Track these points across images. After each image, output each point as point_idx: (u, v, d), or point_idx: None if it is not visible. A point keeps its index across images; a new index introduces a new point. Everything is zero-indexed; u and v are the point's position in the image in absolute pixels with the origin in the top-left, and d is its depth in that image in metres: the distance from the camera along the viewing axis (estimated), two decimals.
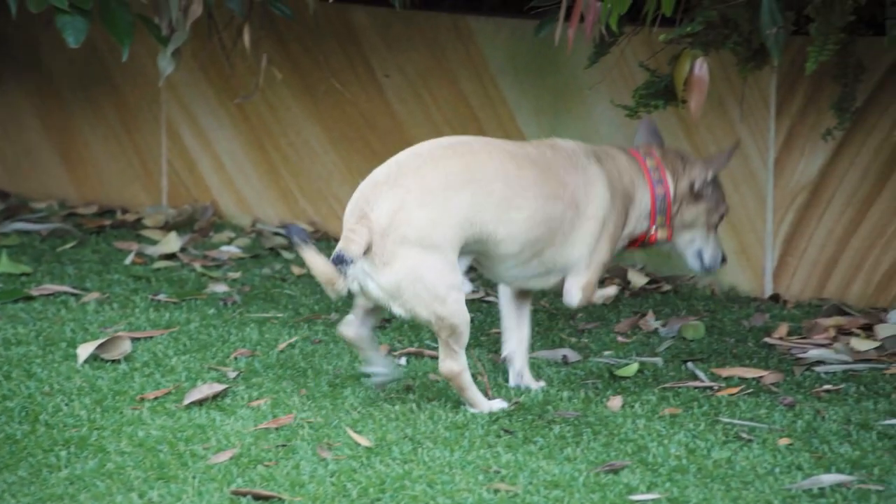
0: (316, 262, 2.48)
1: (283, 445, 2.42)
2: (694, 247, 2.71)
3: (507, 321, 2.68)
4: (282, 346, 2.89)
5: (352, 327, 2.59)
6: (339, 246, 2.49)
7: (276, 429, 2.49)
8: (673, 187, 2.66)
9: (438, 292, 2.47)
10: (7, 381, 2.70)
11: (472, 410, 2.55)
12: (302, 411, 2.57)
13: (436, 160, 2.52)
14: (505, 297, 2.70)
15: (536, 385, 2.65)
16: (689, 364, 2.73)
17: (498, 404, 2.57)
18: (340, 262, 2.46)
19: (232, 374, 2.75)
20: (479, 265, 2.63)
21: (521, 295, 2.68)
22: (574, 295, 2.59)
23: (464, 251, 2.53)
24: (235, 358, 2.84)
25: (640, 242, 2.68)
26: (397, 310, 2.50)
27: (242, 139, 3.73)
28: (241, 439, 2.44)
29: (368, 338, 2.61)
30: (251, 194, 3.75)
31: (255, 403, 2.62)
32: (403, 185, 2.49)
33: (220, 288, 3.29)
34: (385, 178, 2.51)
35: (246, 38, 3.20)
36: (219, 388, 2.65)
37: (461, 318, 2.49)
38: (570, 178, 2.57)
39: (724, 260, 2.74)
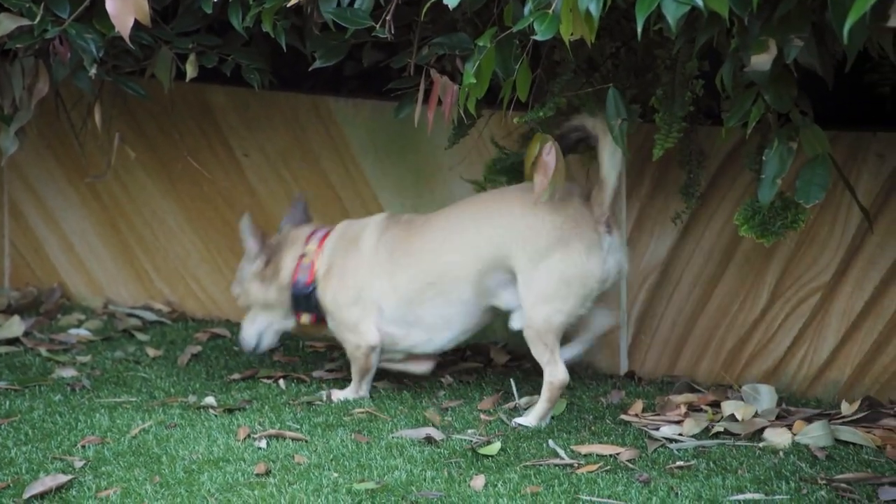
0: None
1: None
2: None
3: None
4: (134, 431, 2.79)
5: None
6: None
7: None
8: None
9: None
10: None
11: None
12: (155, 500, 2.47)
13: None
14: None
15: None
16: (550, 442, 2.77)
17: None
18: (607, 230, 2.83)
19: (79, 464, 2.63)
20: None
21: None
22: None
23: None
24: (83, 446, 2.72)
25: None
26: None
27: (94, 219, 3.62)
28: None
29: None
30: (103, 275, 3.64)
31: (103, 494, 2.50)
32: None
33: (68, 373, 3.15)
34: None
35: (97, 116, 3.14)
36: (63, 479, 2.53)
37: None
38: None
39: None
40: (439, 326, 2.91)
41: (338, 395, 3.02)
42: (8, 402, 2.93)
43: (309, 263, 3.00)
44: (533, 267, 2.78)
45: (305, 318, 3.04)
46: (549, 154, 2.71)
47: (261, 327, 3.09)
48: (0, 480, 2.53)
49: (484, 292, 2.87)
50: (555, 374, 2.80)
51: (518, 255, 2.80)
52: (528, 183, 2.81)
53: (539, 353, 2.81)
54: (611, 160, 2.76)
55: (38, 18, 2.84)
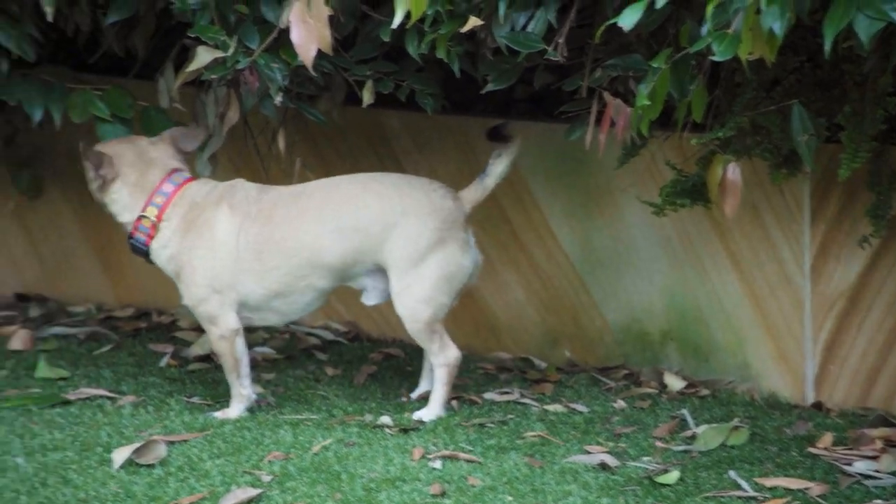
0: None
1: None
2: None
3: None
4: (316, 448, 2.87)
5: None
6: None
7: None
8: None
9: None
10: (43, 488, 2.69)
11: None
12: None
13: None
14: None
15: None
16: (732, 472, 2.68)
17: None
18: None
19: (266, 478, 2.72)
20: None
21: None
22: None
23: None
24: (269, 461, 2.81)
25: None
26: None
27: None
28: None
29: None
30: None
31: None
32: None
33: (254, 389, 3.28)
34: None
35: (280, 142, 3.26)
36: (253, 492, 2.63)
37: None
38: None
39: None
40: (297, 311, 3.06)
41: (223, 414, 3.06)
42: (202, 417, 3.07)
43: (149, 227, 3.04)
44: (412, 267, 2.92)
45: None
46: (734, 174, 2.64)
47: None
48: (198, 491, 2.65)
49: (345, 279, 3.03)
50: (449, 355, 2.98)
51: (395, 255, 2.94)
52: (392, 176, 3.01)
53: (429, 341, 2.98)
54: (502, 173, 2.98)
55: (231, 50, 2.97)
